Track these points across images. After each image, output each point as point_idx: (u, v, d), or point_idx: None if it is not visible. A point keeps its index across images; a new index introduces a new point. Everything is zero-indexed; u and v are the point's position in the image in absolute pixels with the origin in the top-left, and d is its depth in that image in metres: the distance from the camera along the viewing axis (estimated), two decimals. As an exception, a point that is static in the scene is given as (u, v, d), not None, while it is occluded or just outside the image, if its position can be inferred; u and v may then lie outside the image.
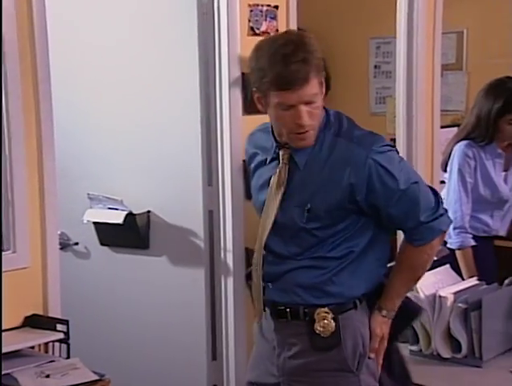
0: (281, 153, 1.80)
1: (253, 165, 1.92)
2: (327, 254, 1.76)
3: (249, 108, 2.67)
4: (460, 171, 2.64)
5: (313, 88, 1.66)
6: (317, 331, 1.74)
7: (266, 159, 1.85)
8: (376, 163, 1.71)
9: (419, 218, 1.75)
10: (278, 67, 1.63)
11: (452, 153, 2.69)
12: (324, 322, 1.73)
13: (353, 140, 1.74)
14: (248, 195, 2.31)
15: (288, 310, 1.77)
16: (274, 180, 1.79)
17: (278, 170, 1.79)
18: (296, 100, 1.65)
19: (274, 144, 1.81)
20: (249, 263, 2.07)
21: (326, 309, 1.74)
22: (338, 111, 1.82)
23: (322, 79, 1.71)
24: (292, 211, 1.74)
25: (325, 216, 1.74)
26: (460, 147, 2.67)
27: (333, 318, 1.74)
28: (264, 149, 1.86)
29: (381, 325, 1.80)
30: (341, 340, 1.75)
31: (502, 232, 2.79)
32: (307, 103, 1.67)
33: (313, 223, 1.73)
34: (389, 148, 1.77)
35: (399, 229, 1.86)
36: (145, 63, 2.79)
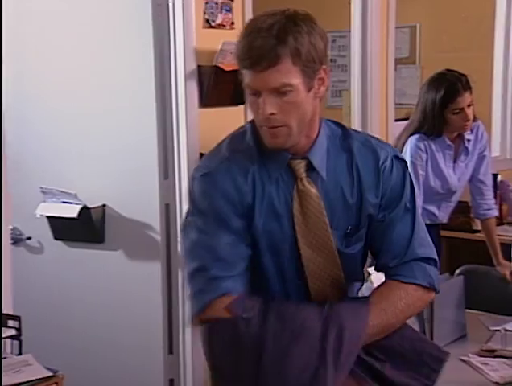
0: (294, 164, 1.45)
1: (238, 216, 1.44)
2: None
3: (206, 100, 2.66)
4: (412, 164, 2.70)
5: (285, 74, 1.36)
6: None
7: (270, 184, 1.44)
8: (398, 161, 1.50)
9: None
10: (246, 40, 1.37)
11: (404, 147, 2.74)
12: None
13: (370, 141, 1.51)
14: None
15: None
16: (296, 201, 1.44)
17: (297, 187, 1.45)
18: (260, 85, 1.37)
19: (284, 156, 1.45)
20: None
21: None
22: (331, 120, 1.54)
23: (314, 73, 1.39)
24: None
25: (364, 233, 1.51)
26: (411, 141, 2.73)
27: None
28: (244, 195, 1.44)
29: None
30: None
31: (445, 220, 2.88)
32: (277, 92, 1.37)
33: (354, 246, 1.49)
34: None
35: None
36: (100, 55, 2.75)
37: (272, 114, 1.38)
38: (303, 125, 1.42)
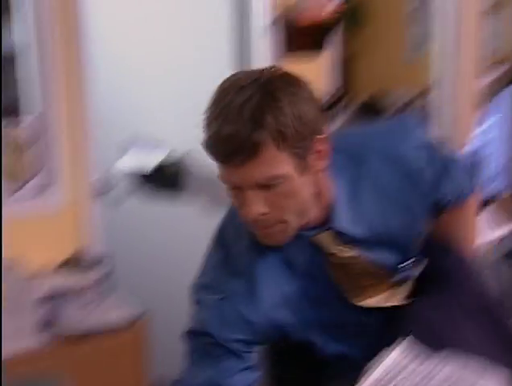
0: (318, 240, 1.18)
1: (282, 316, 1.21)
2: None
3: (284, 53, 2.62)
4: (509, 114, 2.59)
5: (271, 165, 1.04)
6: None
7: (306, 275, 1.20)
8: (420, 149, 1.25)
9: None
10: (213, 126, 1.06)
11: (498, 95, 2.62)
12: None
13: (386, 148, 1.21)
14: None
15: None
16: (336, 274, 1.21)
17: (331, 262, 1.20)
18: (239, 182, 1.06)
19: (303, 238, 1.17)
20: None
21: None
22: (334, 144, 1.15)
23: (307, 151, 1.08)
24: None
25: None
26: (510, 90, 2.61)
27: None
28: (281, 282, 1.20)
29: None
30: None
31: None
32: (264, 186, 1.06)
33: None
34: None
35: None
36: (176, 12, 2.76)
37: (262, 214, 1.08)
38: (305, 211, 1.12)
